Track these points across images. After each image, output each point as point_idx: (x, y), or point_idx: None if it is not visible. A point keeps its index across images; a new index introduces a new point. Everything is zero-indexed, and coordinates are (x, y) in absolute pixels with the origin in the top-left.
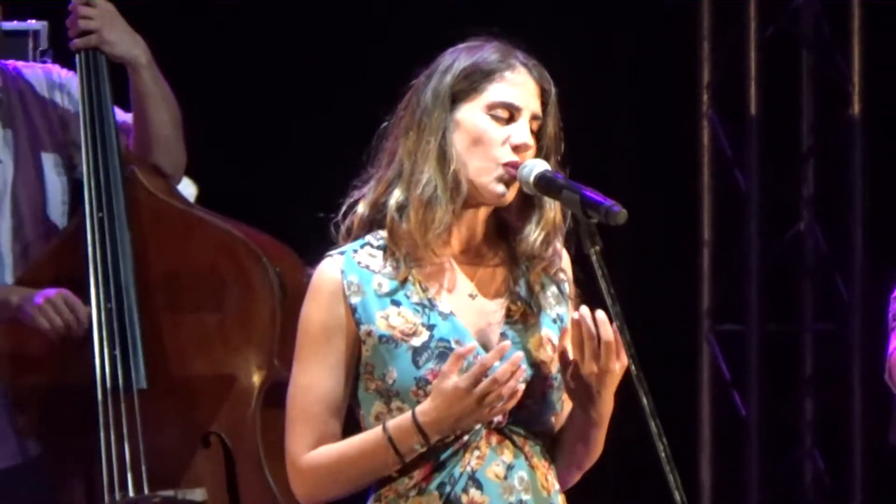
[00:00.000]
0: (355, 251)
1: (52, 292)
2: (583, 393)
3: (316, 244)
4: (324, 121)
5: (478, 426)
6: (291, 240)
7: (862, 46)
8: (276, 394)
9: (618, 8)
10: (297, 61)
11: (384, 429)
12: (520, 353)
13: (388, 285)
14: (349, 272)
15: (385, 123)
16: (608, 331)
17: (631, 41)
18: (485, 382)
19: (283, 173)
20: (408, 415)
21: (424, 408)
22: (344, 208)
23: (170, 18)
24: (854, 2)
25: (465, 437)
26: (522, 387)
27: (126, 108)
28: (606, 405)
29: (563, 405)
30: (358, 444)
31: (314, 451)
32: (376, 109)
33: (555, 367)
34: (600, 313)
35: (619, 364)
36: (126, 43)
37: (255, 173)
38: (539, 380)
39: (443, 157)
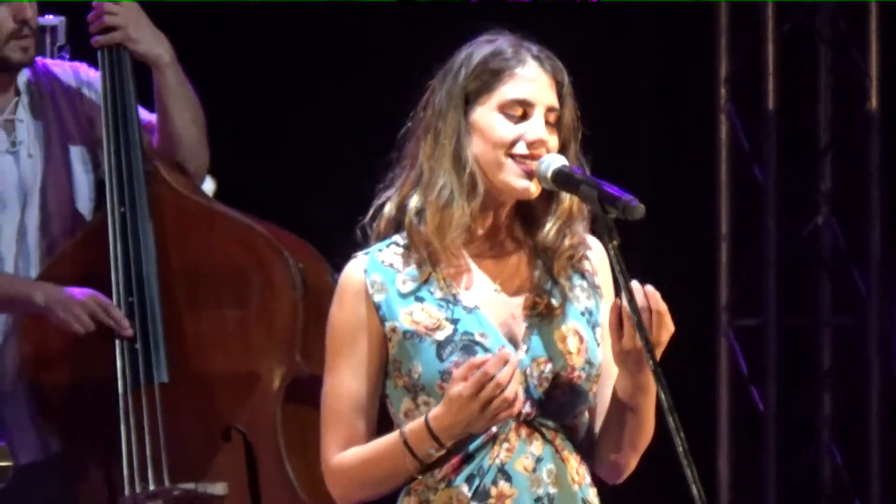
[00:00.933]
0: (380, 250)
1: (81, 295)
2: (631, 362)
3: (340, 242)
4: (347, 120)
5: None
6: (312, 238)
7: (879, 41)
8: (298, 389)
9: (635, 3)
10: (312, 61)
11: (401, 433)
12: (510, 353)
13: (411, 283)
14: (372, 271)
15: (408, 124)
16: (659, 301)
17: (649, 36)
18: (488, 388)
19: (305, 171)
20: (422, 419)
21: (436, 413)
22: (371, 211)
23: (187, 18)
24: None
25: (494, 430)
26: (520, 390)
27: (151, 109)
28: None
29: (595, 398)
30: (379, 447)
31: (343, 452)
32: (398, 108)
33: (582, 359)
34: (649, 287)
35: (667, 333)
36: (150, 41)
37: (277, 171)
38: (566, 372)
39: (458, 160)
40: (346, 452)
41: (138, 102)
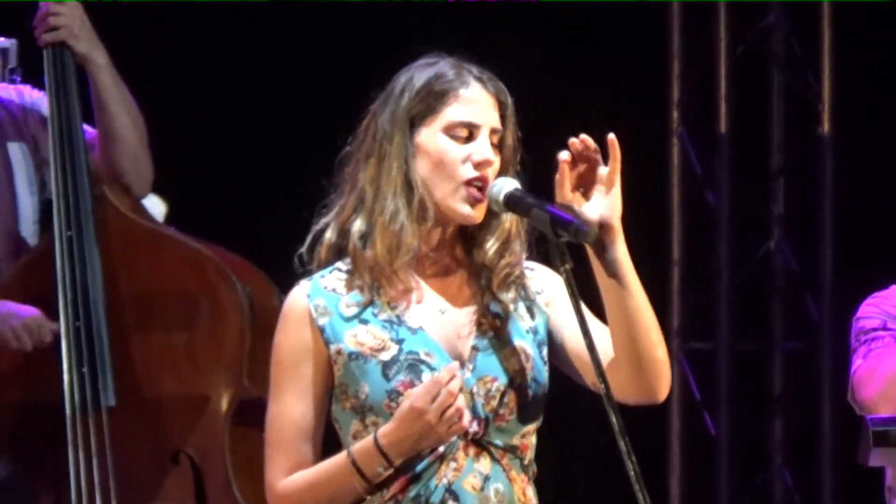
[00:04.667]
0: (323, 276)
1: (25, 313)
2: (605, 201)
3: (288, 265)
4: (296, 141)
5: (454, 437)
6: (260, 260)
7: (832, 65)
8: (245, 412)
9: (588, 25)
10: (260, 83)
11: (349, 453)
12: (455, 364)
13: (355, 306)
14: (315, 296)
15: (346, 149)
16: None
17: (601, 59)
18: (442, 396)
19: (254, 193)
20: (370, 438)
21: (386, 430)
22: (309, 238)
23: (140, 39)
24: (824, 21)
25: (442, 449)
26: (467, 409)
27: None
28: (617, 204)
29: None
30: (326, 469)
31: (289, 477)
32: (349, 128)
33: (529, 377)
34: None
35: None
36: (91, 40)
37: (226, 193)
38: (513, 391)
39: (407, 184)
40: (293, 477)
41: (84, 121)
